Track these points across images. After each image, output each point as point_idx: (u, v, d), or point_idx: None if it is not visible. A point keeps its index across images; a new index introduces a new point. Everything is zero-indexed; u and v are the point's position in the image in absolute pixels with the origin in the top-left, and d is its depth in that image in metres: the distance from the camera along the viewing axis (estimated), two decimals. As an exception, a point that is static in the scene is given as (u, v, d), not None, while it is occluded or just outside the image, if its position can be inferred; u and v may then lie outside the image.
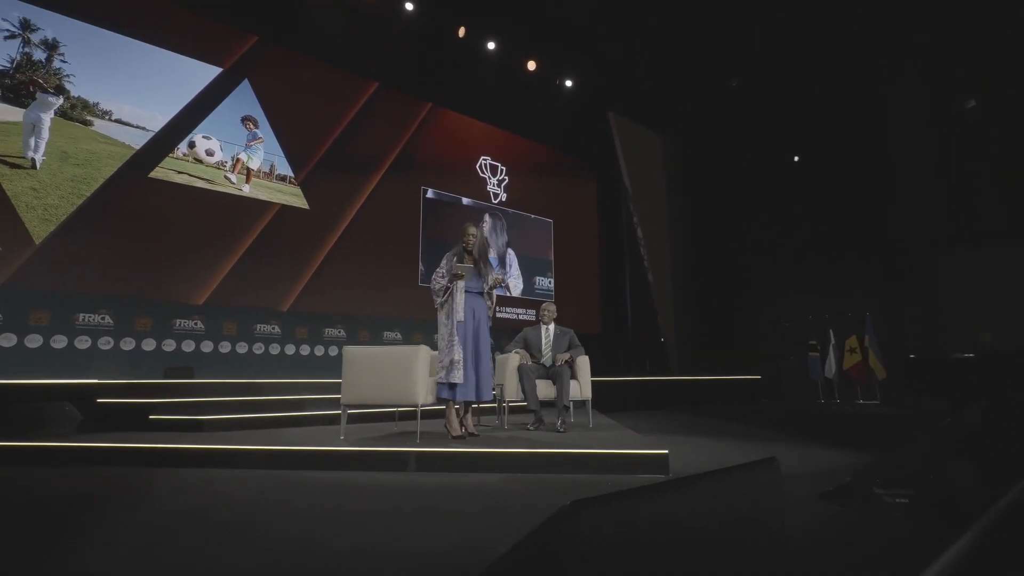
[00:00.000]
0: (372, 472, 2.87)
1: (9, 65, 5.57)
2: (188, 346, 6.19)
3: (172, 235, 6.26)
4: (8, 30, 5.61)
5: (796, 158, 10.16)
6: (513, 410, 4.79)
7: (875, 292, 9.19)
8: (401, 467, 2.86)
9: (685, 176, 10.90)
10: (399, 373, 3.33)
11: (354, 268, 7.65)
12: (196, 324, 6.29)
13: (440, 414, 4.68)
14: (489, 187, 9.50)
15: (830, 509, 1.89)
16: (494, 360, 4.12)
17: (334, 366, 5.03)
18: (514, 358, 4.32)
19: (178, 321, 6.18)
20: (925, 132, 8.74)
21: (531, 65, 9.35)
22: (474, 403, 3.73)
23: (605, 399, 7.38)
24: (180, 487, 2.56)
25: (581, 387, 4.23)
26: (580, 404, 4.57)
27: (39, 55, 5.75)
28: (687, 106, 10.27)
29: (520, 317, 9.48)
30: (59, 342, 5.45)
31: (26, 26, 5.71)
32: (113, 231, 5.90)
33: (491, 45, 8.86)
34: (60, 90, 5.81)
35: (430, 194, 8.70)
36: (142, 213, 6.10)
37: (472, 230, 3.98)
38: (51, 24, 5.83)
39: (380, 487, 2.53)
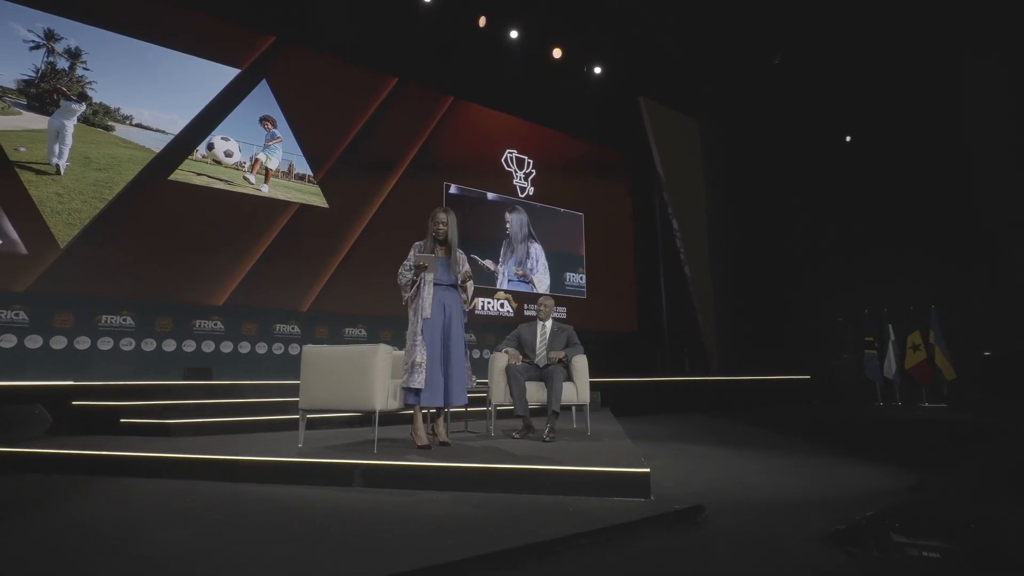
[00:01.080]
0: (315, 487, 2.60)
1: (34, 75, 5.71)
2: (208, 347, 6.22)
3: (192, 236, 6.31)
4: (33, 40, 5.76)
5: (848, 138, 9.35)
6: (502, 415, 4.41)
7: (940, 282, 8.32)
8: (346, 481, 2.60)
9: (724, 162, 10.26)
10: (356, 375, 3.06)
11: (375, 267, 7.52)
12: (216, 325, 6.31)
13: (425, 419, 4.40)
14: (515, 181, 9.22)
15: (832, 558, 1.50)
16: (468, 358, 3.69)
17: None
18: (501, 358, 3.99)
19: (198, 322, 6.22)
20: (1000, 105, 7.83)
21: (556, 53, 8.99)
22: (442, 409, 3.38)
23: (634, 402, 6.98)
24: (67, 498, 2.43)
25: (578, 390, 3.86)
26: (586, 409, 4.15)
27: (62, 64, 5.88)
28: (725, 88, 9.63)
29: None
30: (83, 343, 5.56)
31: (50, 36, 5.85)
32: (134, 234, 5.98)
33: (513, 34, 8.57)
34: (83, 97, 5.93)
35: (453, 190, 8.50)
36: (163, 215, 6.16)
37: (442, 216, 3.60)
38: (74, 33, 5.96)
39: (292, 505, 2.26)
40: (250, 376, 6.01)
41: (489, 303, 8.53)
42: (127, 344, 5.78)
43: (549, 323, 4.30)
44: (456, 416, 4.83)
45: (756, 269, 9.98)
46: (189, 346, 6.11)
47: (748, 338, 9.64)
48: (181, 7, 6.56)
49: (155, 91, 6.33)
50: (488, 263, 8.67)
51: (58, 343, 5.45)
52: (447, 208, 3.71)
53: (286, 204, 6.97)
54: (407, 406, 3.21)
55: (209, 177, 6.53)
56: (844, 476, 2.85)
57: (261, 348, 6.54)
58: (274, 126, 7.05)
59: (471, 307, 3.62)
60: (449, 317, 3.41)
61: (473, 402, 4.19)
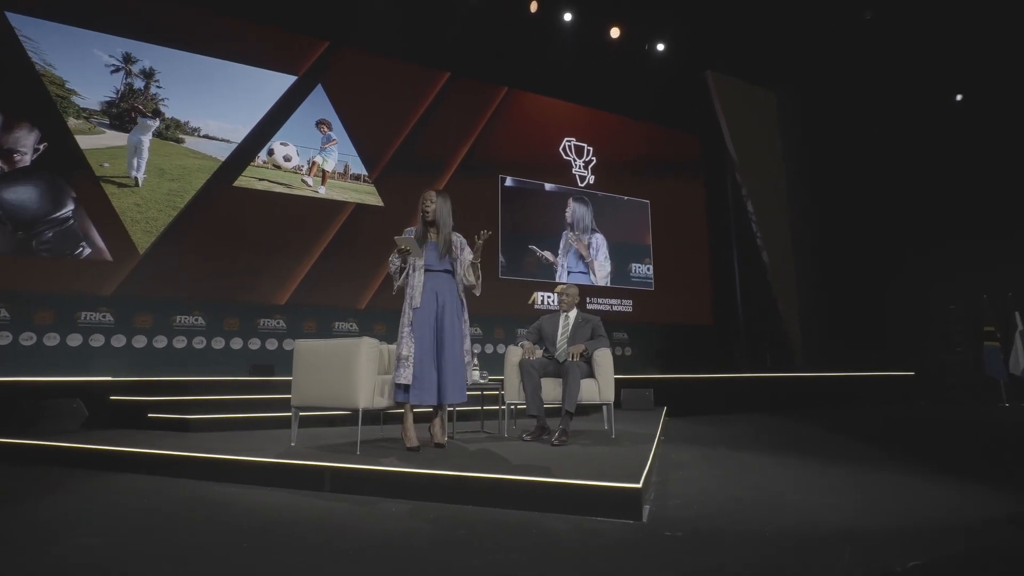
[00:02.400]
0: (286, 490, 2.49)
1: (115, 96, 6.22)
2: (271, 344, 6.50)
3: (255, 239, 6.61)
4: (113, 64, 6.27)
5: (959, 97, 8.10)
6: (522, 414, 4.15)
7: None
8: (317, 485, 2.48)
9: (806, 135, 9.26)
10: (340, 371, 2.95)
11: (431, 263, 7.53)
12: (279, 323, 6.58)
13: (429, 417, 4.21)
14: (575, 170, 8.88)
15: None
16: (470, 352, 3.40)
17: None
18: (515, 352, 3.73)
19: (262, 321, 6.51)
20: None
21: (614, 32, 8.54)
22: (434, 407, 3.15)
23: (698, 401, 6.46)
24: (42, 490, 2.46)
25: (600, 388, 3.49)
26: (610, 408, 3.75)
27: (138, 84, 6.35)
28: (806, 51, 8.66)
29: (613, 308, 8.75)
30: (160, 342, 5.99)
31: (127, 59, 6.34)
32: (204, 238, 6.36)
33: (567, 17, 8.24)
34: (156, 113, 6.38)
35: (509, 182, 8.33)
36: (228, 220, 6.51)
37: (432, 196, 3.38)
38: (148, 55, 6.42)
39: (245, 508, 2.16)
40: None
41: (549, 296, 8.29)
42: (199, 343, 6.15)
43: (573, 314, 3.97)
44: (470, 415, 4.66)
45: (848, 252, 8.95)
46: (254, 344, 6.41)
47: (839, 330, 8.67)
48: (240, 20, 6.88)
49: (219, 103, 6.69)
50: (547, 255, 8.44)
51: (139, 342, 5.91)
52: (441, 190, 3.49)
53: (342, 204, 7.14)
54: (398, 404, 3.06)
55: (270, 182, 6.81)
56: (920, 497, 2.31)
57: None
58: (329, 129, 7.24)
59: (476, 287, 3.38)
60: (442, 306, 3.18)
61: (492, 400, 3.99)
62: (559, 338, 3.84)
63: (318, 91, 7.22)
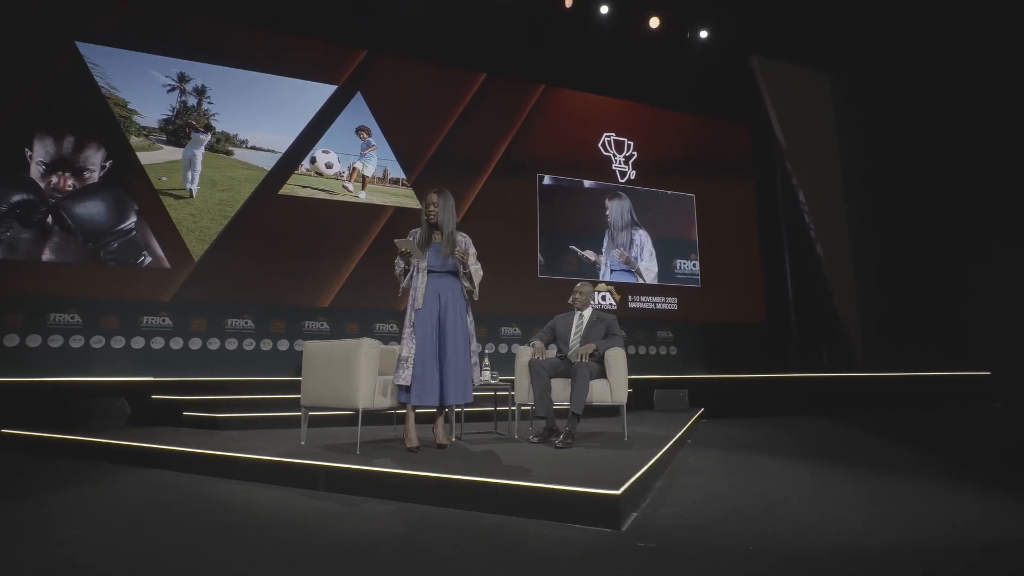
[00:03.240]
0: (282, 488, 2.56)
1: (171, 113, 6.64)
2: (316, 345, 6.74)
3: (300, 244, 6.88)
4: (170, 84, 6.69)
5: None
6: (535, 415, 4.07)
7: None
8: (312, 484, 2.53)
9: (864, 120, 8.66)
10: (342, 372, 2.98)
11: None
12: (322, 325, 6.83)
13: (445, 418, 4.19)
14: (615, 166, 8.71)
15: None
16: (474, 353, 3.35)
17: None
18: (525, 352, 3.66)
19: (307, 323, 6.77)
20: None
21: (653, 22, 8.30)
22: (442, 408, 3.13)
23: (741, 403, 6.19)
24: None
25: (612, 388, 3.37)
26: (622, 410, 3.62)
27: (192, 101, 6.75)
28: (863, 30, 8.10)
29: (657, 306, 8.53)
30: (213, 344, 6.35)
31: (182, 78, 6.75)
32: (252, 245, 6.68)
33: (603, 9, 8.08)
34: (208, 128, 6.77)
35: (547, 180, 8.28)
36: (275, 227, 6.81)
37: (433, 198, 3.35)
38: (200, 73, 6.81)
39: (236, 505, 2.21)
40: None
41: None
42: (249, 344, 6.48)
43: (587, 312, 3.87)
44: (486, 416, 4.64)
45: (913, 243, 8.31)
46: (300, 345, 6.67)
47: (904, 326, 8.06)
48: (283, 35, 7.18)
49: (265, 115, 7.01)
50: (588, 254, 8.32)
51: (194, 344, 6.28)
52: (442, 190, 3.44)
53: (382, 208, 7.32)
54: (400, 405, 3.09)
55: (312, 189, 7.08)
56: (942, 510, 2.10)
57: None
58: (369, 135, 7.43)
59: (474, 294, 3.37)
60: (444, 306, 3.18)
61: (506, 401, 3.96)
62: (572, 337, 3.76)
63: (357, 99, 7.43)
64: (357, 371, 2.97)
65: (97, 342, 5.91)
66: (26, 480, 2.83)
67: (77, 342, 5.84)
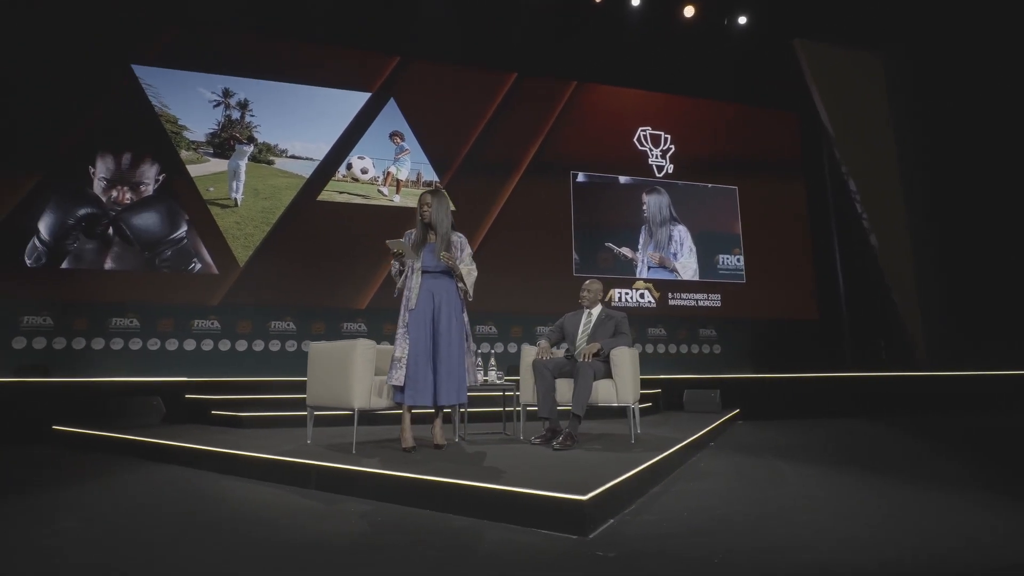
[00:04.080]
0: (278, 485, 2.62)
1: (217, 127, 7.00)
2: (354, 346, 6.95)
3: (337, 248, 7.10)
4: (215, 99, 7.06)
5: None
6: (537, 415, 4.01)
7: None
8: (305, 482, 2.56)
9: (921, 100, 8.04)
10: (339, 372, 3.01)
11: (503, 263, 7.61)
12: (360, 326, 7.02)
13: (445, 419, 4.15)
14: (651, 160, 8.50)
15: None
16: (472, 352, 3.33)
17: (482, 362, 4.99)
18: (530, 351, 3.59)
19: (345, 324, 6.98)
20: None
21: (688, 11, 8.04)
22: (431, 408, 3.11)
23: (789, 403, 5.89)
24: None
25: (618, 389, 3.22)
26: (628, 411, 3.47)
27: (235, 114, 7.10)
28: (919, 5, 7.52)
29: (699, 303, 8.26)
30: (258, 346, 6.65)
31: (226, 94, 7.11)
32: (293, 250, 6.95)
33: (635, 1, 7.90)
34: (251, 139, 7.09)
35: (581, 178, 8.18)
36: (314, 232, 7.05)
37: (426, 198, 3.34)
38: (243, 88, 7.15)
39: (227, 499, 2.27)
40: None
41: (627, 293, 8.02)
42: (291, 346, 6.74)
43: (596, 310, 3.76)
44: (493, 417, 4.60)
45: (979, 231, 7.64)
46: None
47: (973, 321, 7.43)
48: (319, 46, 7.42)
49: (303, 125, 7.27)
50: (625, 251, 8.16)
51: (240, 346, 6.60)
52: (436, 190, 3.43)
53: (416, 211, 7.43)
54: (396, 405, 3.11)
55: (349, 194, 7.29)
56: (959, 526, 1.90)
57: (399, 346, 7.08)
58: (402, 140, 7.58)
59: (470, 298, 3.35)
60: (438, 306, 3.18)
61: (514, 402, 3.92)
62: (579, 336, 3.68)
63: (391, 105, 7.60)
64: (353, 372, 3.03)
65: (153, 344, 6.31)
66: (51, 473, 3.04)
67: (135, 344, 6.26)
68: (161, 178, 6.71)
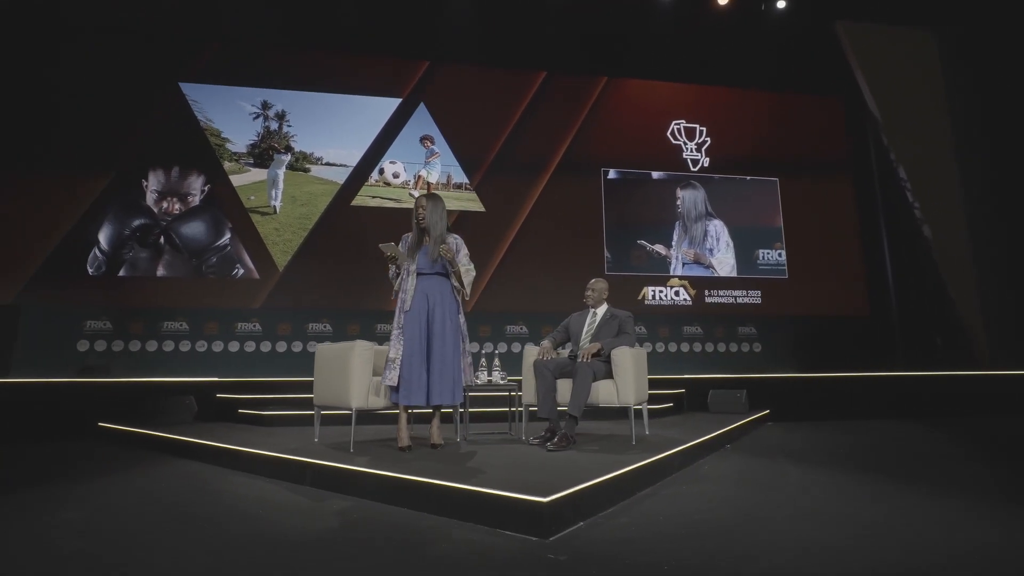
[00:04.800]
0: (275, 480, 2.74)
1: (256, 138, 7.34)
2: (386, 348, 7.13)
3: (371, 251, 7.21)
4: (255, 112, 7.40)
5: None
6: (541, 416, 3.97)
7: None
8: (300, 479, 2.65)
9: (979, 79, 7.45)
10: (339, 373, 3.10)
11: (534, 263, 7.62)
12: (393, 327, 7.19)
13: (446, 418, 4.17)
14: (686, 154, 8.28)
15: None
16: (466, 352, 3.34)
17: (515, 362, 5.05)
18: (532, 351, 3.57)
19: (379, 326, 7.16)
20: None
21: (722, -1, 7.78)
22: (438, 408, 3.16)
23: (828, 403, 5.60)
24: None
25: (619, 389, 3.16)
26: (630, 412, 3.38)
27: (274, 125, 7.42)
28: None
29: (738, 301, 7.99)
30: (296, 347, 6.94)
31: (265, 106, 7.44)
32: (328, 254, 7.20)
33: (666, -9, 7.71)
34: (288, 149, 7.39)
35: (612, 174, 8.07)
36: (348, 236, 7.28)
37: (423, 202, 3.38)
38: (280, 99, 7.46)
39: (214, 491, 2.35)
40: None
41: (661, 291, 7.86)
42: (327, 346, 6.99)
43: (601, 310, 3.70)
44: (498, 418, 4.60)
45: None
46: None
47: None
48: (351, 55, 7.64)
49: (337, 132, 7.52)
50: (658, 248, 7.99)
51: (280, 347, 6.90)
52: (431, 194, 3.50)
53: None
54: (394, 405, 3.17)
55: (381, 198, 7.48)
56: (954, 537, 1.78)
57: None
58: (432, 143, 7.70)
59: (466, 297, 3.37)
60: (432, 307, 3.22)
61: (519, 402, 3.91)
62: (583, 336, 3.64)
63: (421, 109, 7.74)
64: (350, 372, 3.12)
65: (201, 346, 6.69)
66: (82, 466, 3.27)
67: (185, 346, 6.65)
68: (206, 188, 7.10)
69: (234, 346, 6.77)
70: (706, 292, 7.94)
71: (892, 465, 3.12)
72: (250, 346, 6.80)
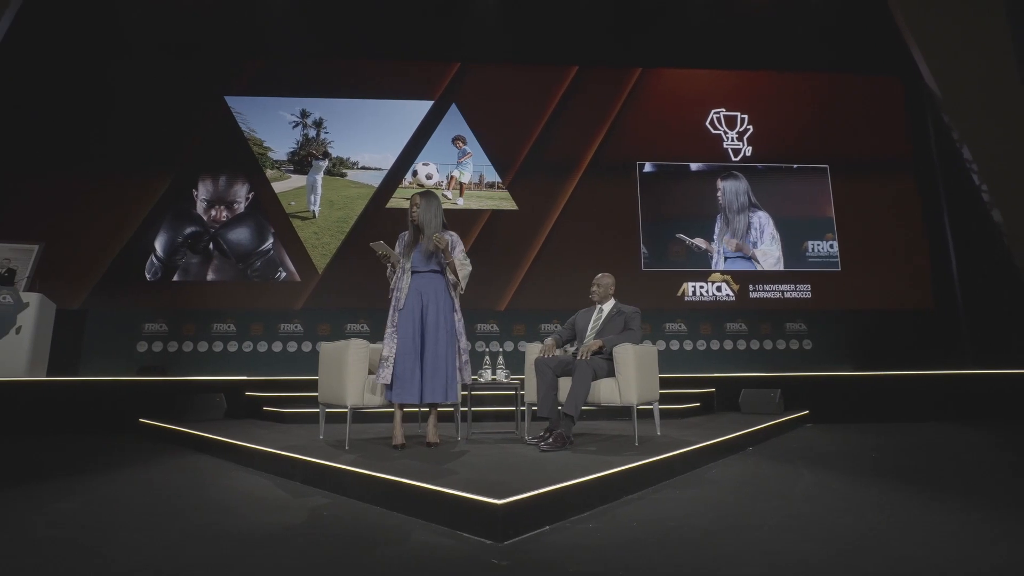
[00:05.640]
0: (271, 475, 2.80)
1: (296, 146, 7.61)
2: (422, 346, 7.22)
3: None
4: (294, 120, 7.68)
5: None
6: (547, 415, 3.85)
7: None
8: (291, 475, 2.67)
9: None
10: (335, 371, 3.11)
11: (569, 260, 7.52)
12: (428, 327, 7.27)
13: (447, 417, 4.21)
14: (726, 144, 7.95)
15: None
16: (460, 350, 3.31)
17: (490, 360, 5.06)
18: (534, 349, 3.47)
19: (414, 325, 7.26)
20: None
21: (762, -22, 7.41)
22: (417, 406, 3.16)
23: (887, 403, 5.21)
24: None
25: (620, 388, 3.02)
26: (633, 412, 3.22)
27: (312, 133, 7.66)
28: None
29: (785, 295, 7.60)
30: (336, 346, 7.13)
31: (303, 114, 7.70)
32: (365, 256, 7.34)
33: (700, -24, 7.43)
34: (326, 155, 7.62)
35: (648, 168, 7.85)
36: (384, 238, 7.37)
37: (417, 200, 3.37)
38: (318, 107, 7.70)
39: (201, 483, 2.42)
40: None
41: (702, 287, 7.58)
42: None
43: (608, 306, 3.57)
44: (507, 416, 4.51)
45: None
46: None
47: None
48: (384, 61, 7.79)
49: (371, 137, 7.68)
50: (698, 242, 7.71)
51: (320, 347, 7.11)
52: (426, 192, 3.50)
53: (479, 212, 7.57)
54: (389, 403, 3.15)
55: (415, 200, 7.57)
56: (937, 551, 1.60)
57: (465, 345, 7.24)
58: (464, 143, 7.74)
59: (462, 291, 3.33)
60: (425, 305, 3.20)
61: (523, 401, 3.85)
62: (588, 333, 3.53)
63: (453, 110, 7.79)
64: (346, 371, 3.15)
65: (247, 346, 7.00)
66: (104, 459, 3.42)
67: (232, 346, 6.97)
68: (250, 196, 7.42)
69: (277, 346, 7.04)
70: (750, 287, 7.59)
71: (919, 472, 2.83)
72: (292, 346, 7.05)
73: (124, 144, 7.27)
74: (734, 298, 7.55)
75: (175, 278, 7.13)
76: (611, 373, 3.22)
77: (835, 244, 7.73)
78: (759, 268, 7.62)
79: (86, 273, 6.97)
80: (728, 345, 7.38)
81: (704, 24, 7.66)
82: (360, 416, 4.42)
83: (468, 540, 1.75)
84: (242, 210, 7.38)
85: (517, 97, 7.87)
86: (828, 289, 7.59)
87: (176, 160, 7.35)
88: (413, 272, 3.31)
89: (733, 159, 7.90)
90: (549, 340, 3.57)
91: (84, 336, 6.85)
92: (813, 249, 7.73)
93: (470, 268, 3.39)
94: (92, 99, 7.32)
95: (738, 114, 7.99)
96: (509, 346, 7.28)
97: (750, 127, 7.96)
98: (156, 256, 7.16)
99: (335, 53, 7.76)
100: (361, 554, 1.65)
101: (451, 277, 3.31)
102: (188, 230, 7.28)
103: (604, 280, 3.66)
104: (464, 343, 3.34)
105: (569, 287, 7.41)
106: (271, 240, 7.33)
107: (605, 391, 3.14)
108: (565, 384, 3.25)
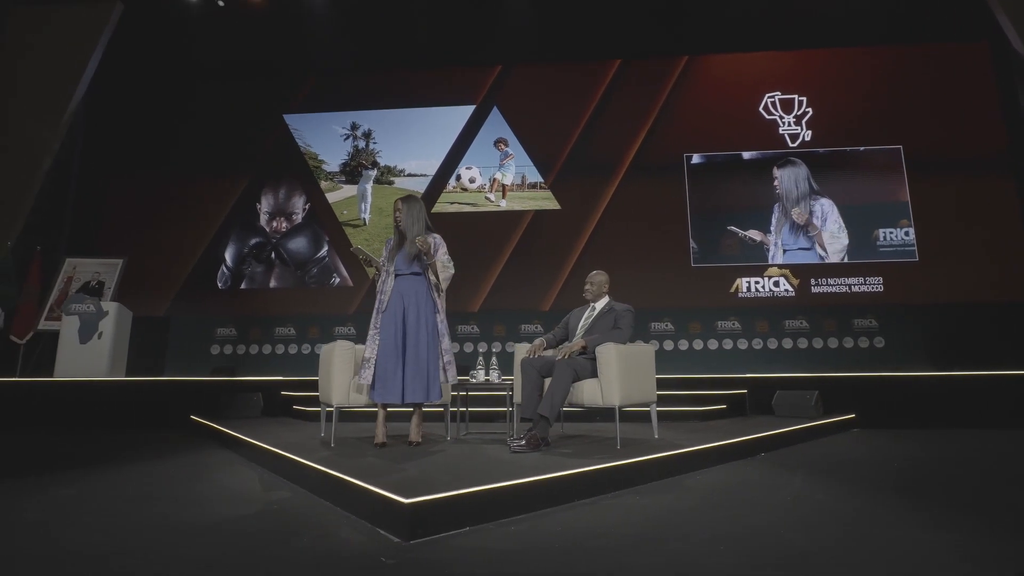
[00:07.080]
0: (268, 471, 2.94)
1: (347, 157, 7.99)
2: (468, 348, 7.34)
3: (451, 255, 7.56)
4: (345, 133, 8.06)
5: None
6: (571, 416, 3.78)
7: None
8: (281, 471, 2.80)
9: None
10: (324, 371, 3.20)
11: (613, 258, 7.32)
12: (473, 328, 7.40)
13: (439, 416, 4.05)
14: (783, 129, 7.46)
15: None
16: (443, 351, 3.36)
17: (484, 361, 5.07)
18: (522, 349, 3.39)
19: (459, 327, 7.41)
20: None
21: (816, -51, 6.88)
22: (399, 405, 3.18)
23: (960, 407, 4.65)
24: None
25: (603, 389, 2.87)
26: (615, 413, 3.09)
27: (361, 144, 8.01)
28: None
29: (853, 289, 7.02)
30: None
31: (354, 127, 8.06)
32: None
33: (747, -47, 7.02)
34: (375, 164, 7.94)
35: (696, 159, 7.52)
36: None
37: (399, 205, 3.43)
38: (366, 119, 8.04)
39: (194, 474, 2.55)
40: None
41: (758, 282, 7.16)
42: (413, 347, 7.38)
43: (600, 304, 3.47)
44: (502, 417, 4.42)
45: None
46: (453, 348, 7.35)
47: None
48: (427, 70, 8.01)
49: (417, 144, 7.91)
50: (752, 234, 7.29)
51: (372, 348, 7.42)
52: (407, 197, 3.57)
53: (522, 213, 7.59)
54: (373, 403, 3.23)
55: (459, 204, 7.72)
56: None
57: (509, 347, 7.29)
58: (506, 145, 7.79)
59: (442, 291, 3.34)
60: (406, 307, 3.25)
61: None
62: (578, 332, 3.44)
63: (494, 113, 7.87)
64: (332, 371, 3.28)
65: (305, 349, 7.43)
66: (129, 453, 3.71)
67: (292, 349, 7.43)
68: (307, 207, 7.87)
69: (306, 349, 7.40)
70: (812, 281, 7.08)
71: (936, 486, 2.50)
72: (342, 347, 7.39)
73: (196, 165, 7.96)
74: (794, 293, 7.07)
75: (242, 286, 7.69)
76: (595, 373, 3.14)
77: (911, 231, 7.04)
78: (821, 254, 7.08)
79: (168, 283, 7.69)
80: (788, 343, 6.93)
81: (753, 4, 7.23)
82: (360, 416, 4.59)
83: (381, 537, 1.79)
84: (300, 220, 7.85)
85: (558, 95, 7.82)
86: (904, 281, 6.93)
87: (242, 176, 7.94)
88: (396, 275, 3.40)
89: (791, 145, 7.40)
90: (537, 340, 3.54)
91: (168, 341, 7.55)
92: (885, 237, 7.08)
93: (452, 271, 3.46)
94: (165, 123, 8.07)
95: (795, 96, 7.47)
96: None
97: (809, 110, 7.43)
98: (226, 266, 7.76)
99: (380, 67, 8.07)
100: (275, 547, 1.72)
101: (433, 278, 3.37)
102: (253, 241, 7.83)
103: (597, 278, 3.59)
104: (447, 344, 3.39)
105: (614, 286, 7.26)
106: (326, 248, 7.74)
107: (588, 392, 3.07)
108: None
